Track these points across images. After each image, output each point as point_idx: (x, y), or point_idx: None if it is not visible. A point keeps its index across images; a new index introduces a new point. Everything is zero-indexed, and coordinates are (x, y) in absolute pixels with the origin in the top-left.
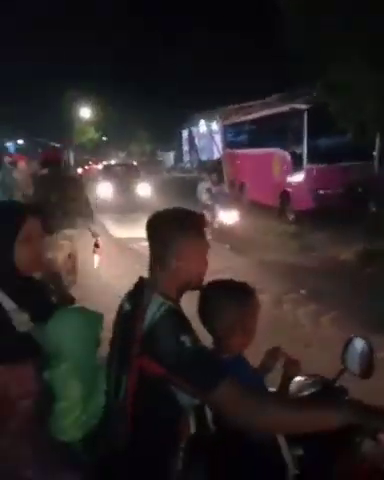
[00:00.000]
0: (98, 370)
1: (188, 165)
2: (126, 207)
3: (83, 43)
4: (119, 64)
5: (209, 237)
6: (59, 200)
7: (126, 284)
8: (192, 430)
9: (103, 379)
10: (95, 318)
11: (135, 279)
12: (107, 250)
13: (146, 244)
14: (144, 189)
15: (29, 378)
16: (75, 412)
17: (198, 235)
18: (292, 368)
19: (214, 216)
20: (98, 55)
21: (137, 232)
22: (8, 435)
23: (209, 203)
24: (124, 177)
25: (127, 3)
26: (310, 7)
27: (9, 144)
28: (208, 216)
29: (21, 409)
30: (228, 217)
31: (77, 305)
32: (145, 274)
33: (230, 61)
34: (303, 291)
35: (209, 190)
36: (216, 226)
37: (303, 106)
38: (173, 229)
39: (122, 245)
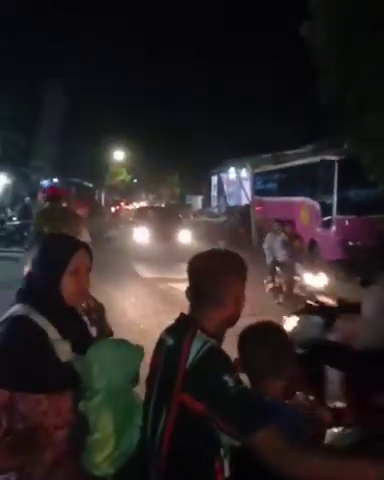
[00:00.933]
0: (134, 405)
1: (216, 210)
2: (164, 255)
3: (117, 92)
4: (153, 110)
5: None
6: (52, 230)
7: (151, 323)
8: (227, 473)
9: (139, 414)
10: (135, 351)
11: (160, 319)
12: (134, 290)
13: (173, 285)
14: (185, 236)
15: (67, 409)
16: (108, 446)
17: (243, 275)
18: (328, 418)
19: (291, 277)
20: (132, 102)
21: (165, 272)
22: (43, 464)
23: (285, 260)
24: (163, 222)
25: (157, 52)
26: (343, 60)
27: (45, 182)
28: (281, 276)
29: (57, 439)
30: (316, 280)
31: (117, 338)
32: (172, 314)
33: (261, 110)
34: None
35: (285, 244)
36: (297, 290)
37: (334, 157)
38: (225, 268)
39: (149, 285)
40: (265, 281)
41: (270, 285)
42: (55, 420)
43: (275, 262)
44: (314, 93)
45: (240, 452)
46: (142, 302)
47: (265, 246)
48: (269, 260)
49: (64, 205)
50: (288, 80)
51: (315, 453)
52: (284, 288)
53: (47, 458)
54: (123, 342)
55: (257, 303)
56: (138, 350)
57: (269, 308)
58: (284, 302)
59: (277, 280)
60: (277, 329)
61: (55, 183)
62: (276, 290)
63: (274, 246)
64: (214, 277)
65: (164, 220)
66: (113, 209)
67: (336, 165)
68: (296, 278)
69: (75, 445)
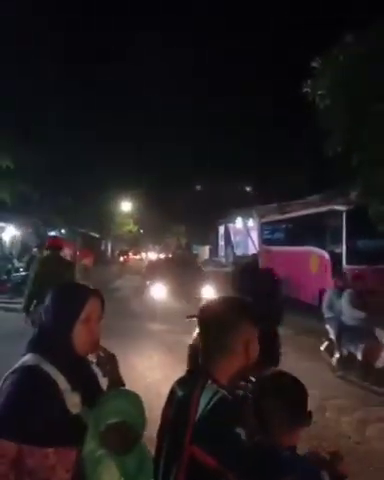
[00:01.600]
0: (144, 457)
1: (223, 259)
2: (184, 313)
3: (123, 146)
4: (158, 161)
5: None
6: (50, 278)
7: (158, 376)
8: None
9: (149, 466)
10: (139, 403)
11: (167, 371)
12: (140, 343)
13: (178, 337)
14: (209, 292)
15: (75, 463)
16: None
17: (253, 321)
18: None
19: (373, 345)
20: (138, 153)
21: (169, 323)
22: None
23: (360, 323)
24: (183, 275)
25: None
26: (347, 120)
27: (53, 233)
28: (351, 344)
29: None
30: None
31: (122, 389)
32: (177, 366)
33: (265, 160)
34: None
35: (356, 302)
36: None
37: (342, 207)
38: (232, 314)
39: (155, 337)
40: (322, 348)
41: (337, 355)
42: (63, 476)
43: (341, 325)
44: (319, 144)
45: None
46: (148, 354)
47: (325, 305)
48: (332, 323)
49: (61, 254)
50: (292, 130)
51: None
52: (359, 357)
53: None
54: (122, 392)
55: (311, 374)
56: (137, 399)
57: (332, 383)
58: (359, 376)
59: (344, 349)
60: (292, 381)
61: (62, 234)
62: (342, 360)
63: (338, 305)
64: (221, 324)
65: (183, 272)
66: (121, 259)
67: (344, 215)
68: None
69: None
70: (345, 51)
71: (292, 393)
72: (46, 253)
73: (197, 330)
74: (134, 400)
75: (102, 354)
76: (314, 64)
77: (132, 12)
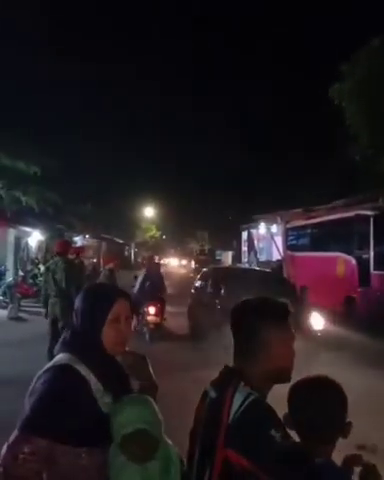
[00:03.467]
0: (167, 464)
1: (246, 265)
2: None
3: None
4: (181, 167)
5: None
6: (60, 280)
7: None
8: None
9: (174, 474)
10: (152, 408)
11: (180, 379)
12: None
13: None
14: (318, 322)
15: (107, 464)
16: None
17: (280, 324)
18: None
19: None
20: (162, 160)
21: None
22: None
23: None
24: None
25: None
26: (374, 125)
27: (77, 239)
28: None
29: None
30: None
31: (133, 396)
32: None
33: (291, 166)
34: None
35: None
36: None
37: (369, 212)
38: (255, 319)
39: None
40: None
41: None
42: (96, 477)
43: None
44: (345, 150)
45: None
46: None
47: None
48: None
49: (71, 257)
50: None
51: None
52: None
53: None
54: (134, 399)
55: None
56: (149, 404)
57: None
58: None
59: None
60: (331, 385)
61: (86, 239)
62: None
63: None
64: (246, 330)
65: (268, 289)
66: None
67: (372, 220)
68: None
69: None
70: (372, 54)
71: (329, 395)
72: (55, 258)
73: None
74: (147, 405)
75: (133, 358)
76: (342, 67)
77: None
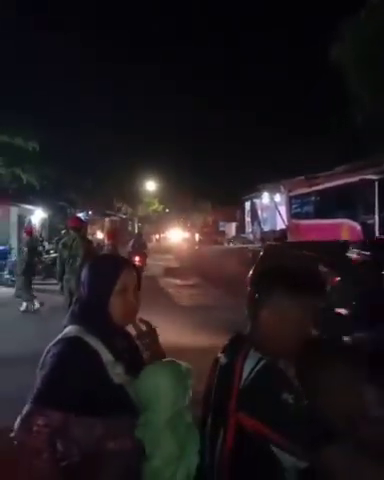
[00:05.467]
0: (191, 428)
1: (250, 236)
2: None
3: (149, 123)
4: (183, 138)
5: None
6: (68, 256)
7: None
8: None
9: (196, 438)
10: (186, 372)
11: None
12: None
13: None
14: None
15: (123, 434)
16: (168, 473)
17: (290, 292)
18: None
19: None
20: (163, 130)
21: None
22: None
23: None
24: None
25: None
26: (377, 82)
27: (81, 214)
28: None
29: (113, 465)
30: None
31: (167, 359)
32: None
33: (292, 132)
34: None
35: None
36: None
37: (374, 177)
38: (264, 284)
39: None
40: None
41: None
42: (112, 446)
43: None
44: (346, 114)
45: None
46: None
47: None
48: None
49: (79, 233)
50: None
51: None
52: None
53: None
54: (174, 363)
55: None
56: (188, 370)
57: None
58: None
59: None
60: (339, 346)
61: (90, 215)
62: None
63: None
64: (259, 291)
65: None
66: (157, 237)
67: (376, 184)
68: None
69: (132, 473)
70: (372, 13)
71: (338, 356)
72: (63, 234)
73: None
74: (173, 372)
75: (144, 328)
76: (341, 27)
77: None
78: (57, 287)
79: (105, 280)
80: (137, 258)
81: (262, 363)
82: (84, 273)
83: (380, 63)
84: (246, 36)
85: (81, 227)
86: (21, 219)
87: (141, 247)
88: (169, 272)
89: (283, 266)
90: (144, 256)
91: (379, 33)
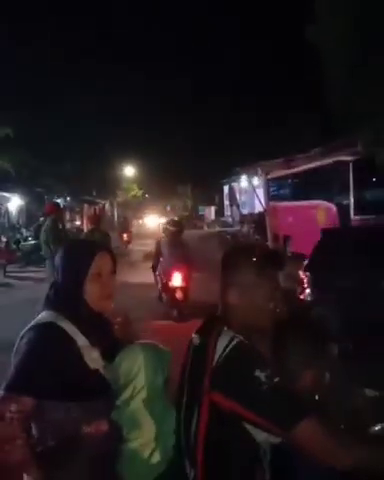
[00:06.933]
0: (167, 409)
1: (229, 219)
2: None
3: (122, 106)
4: (161, 122)
5: None
6: (45, 241)
7: None
8: (267, 477)
9: (172, 419)
10: (163, 354)
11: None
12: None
13: None
14: None
15: (99, 417)
16: (145, 455)
17: (254, 268)
18: None
19: None
20: (141, 113)
21: None
22: (73, 470)
23: None
24: None
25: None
26: (353, 63)
27: (59, 201)
28: None
29: (89, 449)
30: None
31: (145, 341)
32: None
33: (267, 114)
34: None
35: None
36: None
37: (348, 158)
38: (230, 263)
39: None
40: None
41: None
42: (87, 430)
43: None
44: (321, 95)
45: (280, 452)
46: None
47: None
48: None
49: (53, 219)
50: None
51: (357, 441)
52: None
53: (78, 465)
54: (151, 344)
55: None
56: (166, 352)
57: None
58: None
59: None
60: (310, 321)
61: (68, 201)
62: None
63: None
64: (226, 270)
65: None
66: (139, 222)
67: (351, 165)
68: None
69: (108, 456)
70: None
71: (307, 328)
72: (41, 219)
73: None
74: (150, 352)
75: (116, 316)
76: (317, 7)
77: None
78: (39, 274)
79: (79, 264)
80: (125, 235)
81: (235, 341)
82: (58, 258)
83: (354, 43)
84: (223, 20)
85: (56, 213)
86: None
87: (128, 226)
88: (149, 257)
89: (246, 245)
90: (130, 233)
91: (353, 14)
